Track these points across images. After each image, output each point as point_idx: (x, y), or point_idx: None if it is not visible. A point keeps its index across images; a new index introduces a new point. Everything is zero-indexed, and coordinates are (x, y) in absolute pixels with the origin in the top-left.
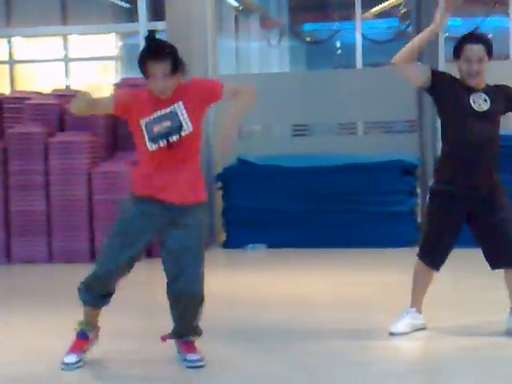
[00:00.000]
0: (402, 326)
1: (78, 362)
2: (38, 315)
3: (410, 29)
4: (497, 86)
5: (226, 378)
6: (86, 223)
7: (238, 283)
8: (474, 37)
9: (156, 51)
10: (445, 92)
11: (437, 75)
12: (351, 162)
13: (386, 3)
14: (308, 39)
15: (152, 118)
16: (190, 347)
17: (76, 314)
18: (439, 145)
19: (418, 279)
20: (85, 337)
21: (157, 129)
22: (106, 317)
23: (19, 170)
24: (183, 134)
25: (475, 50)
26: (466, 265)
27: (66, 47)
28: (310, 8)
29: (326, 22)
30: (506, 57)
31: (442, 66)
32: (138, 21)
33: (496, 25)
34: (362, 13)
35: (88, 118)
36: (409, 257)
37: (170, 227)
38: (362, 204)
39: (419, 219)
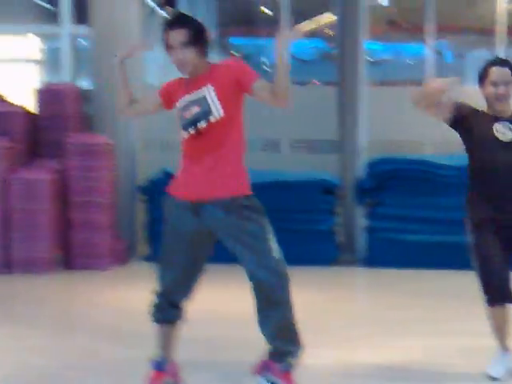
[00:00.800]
0: (501, 369)
1: None
2: None
3: (334, 51)
4: None
5: None
6: (1, 232)
7: None
8: (499, 60)
9: (173, 21)
10: (468, 124)
11: (459, 109)
12: (273, 180)
13: (312, 24)
14: (235, 53)
15: (182, 103)
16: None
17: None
18: (359, 165)
19: (493, 323)
20: (160, 368)
21: (187, 115)
22: (20, 332)
23: None
24: (212, 119)
25: (502, 72)
26: (384, 284)
27: None
28: (239, 23)
29: (254, 37)
30: (421, 83)
31: (364, 91)
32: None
33: (414, 51)
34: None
35: (6, 123)
36: (328, 275)
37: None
38: (283, 221)
39: (339, 238)
